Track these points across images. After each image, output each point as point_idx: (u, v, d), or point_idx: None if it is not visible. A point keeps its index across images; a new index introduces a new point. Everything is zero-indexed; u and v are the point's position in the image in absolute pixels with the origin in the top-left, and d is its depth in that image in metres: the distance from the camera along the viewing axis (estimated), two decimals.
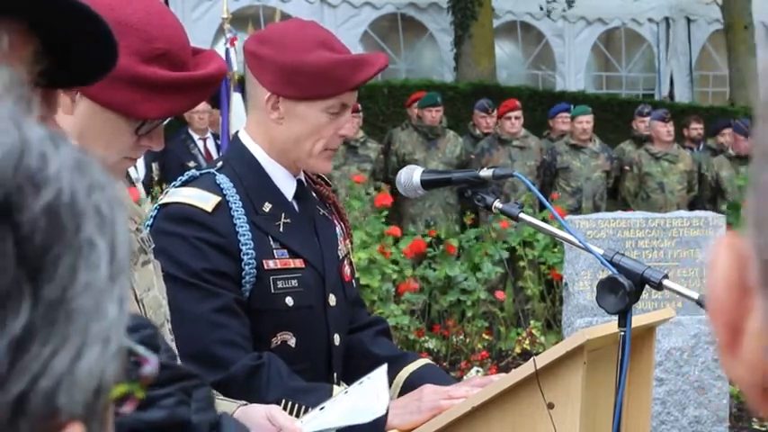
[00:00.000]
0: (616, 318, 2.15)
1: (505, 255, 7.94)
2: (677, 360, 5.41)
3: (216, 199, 2.34)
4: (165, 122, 1.89)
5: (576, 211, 8.98)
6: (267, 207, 2.42)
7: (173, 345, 2.02)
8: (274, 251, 2.39)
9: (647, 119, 10.21)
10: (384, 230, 7.74)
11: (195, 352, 2.21)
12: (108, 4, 1.78)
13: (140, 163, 8.51)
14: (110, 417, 0.66)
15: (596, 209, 9.02)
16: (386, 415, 2.19)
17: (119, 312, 0.63)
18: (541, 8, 17.12)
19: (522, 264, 8.08)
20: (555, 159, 9.38)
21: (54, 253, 0.60)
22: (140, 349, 0.74)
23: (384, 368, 2.08)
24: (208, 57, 1.89)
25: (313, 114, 2.41)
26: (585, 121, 9.43)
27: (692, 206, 9.40)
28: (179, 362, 1.69)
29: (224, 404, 2.13)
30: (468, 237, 8.03)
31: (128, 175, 7.78)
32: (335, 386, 2.36)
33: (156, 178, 8.19)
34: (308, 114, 2.41)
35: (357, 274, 2.69)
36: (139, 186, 8.22)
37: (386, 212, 8.12)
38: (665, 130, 9.44)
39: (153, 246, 2.02)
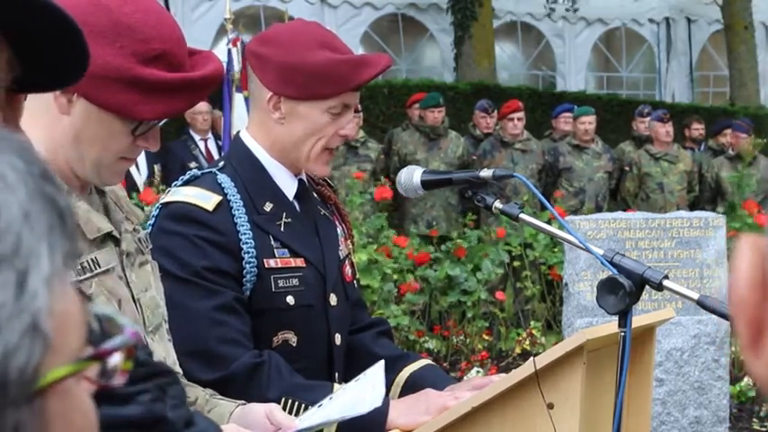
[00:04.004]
0: (616, 318, 2.15)
1: (505, 257, 7.92)
2: (677, 360, 5.40)
3: (217, 198, 2.34)
4: (163, 122, 1.89)
5: (579, 211, 8.96)
6: (268, 206, 2.42)
7: (169, 345, 2.01)
8: (275, 250, 2.39)
9: (647, 119, 10.21)
10: (383, 227, 7.73)
11: (195, 350, 2.22)
12: (105, 4, 1.77)
13: (142, 163, 8.50)
14: (55, 406, 0.64)
15: (599, 209, 9.01)
16: (385, 408, 2.18)
17: (14, 299, 0.62)
18: (552, 9, 17.01)
19: (521, 264, 8.08)
20: (557, 160, 9.37)
21: None
22: (118, 318, 0.72)
23: (381, 363, 2.08)
24: (205, 58, 1.89)
25: (314, 115, 2.41)
26: (588, 121, 9.42)
27: (692, 206, 9.39)
28: (154, 359, 1.68)
29: (223, 404, 2.13)
30: (468, 238, 8.03)
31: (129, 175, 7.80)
32: (336, 384, 2.36)
33: (157, 179, 8.19)
34: (309, 114, 2.41)
35: (357, 275, 2.69)
36: (140, 181, 8.21)
37: (386, 212, 8.10)
38: (665, 130, 9.43)
39: (150, 246, 2.01)
